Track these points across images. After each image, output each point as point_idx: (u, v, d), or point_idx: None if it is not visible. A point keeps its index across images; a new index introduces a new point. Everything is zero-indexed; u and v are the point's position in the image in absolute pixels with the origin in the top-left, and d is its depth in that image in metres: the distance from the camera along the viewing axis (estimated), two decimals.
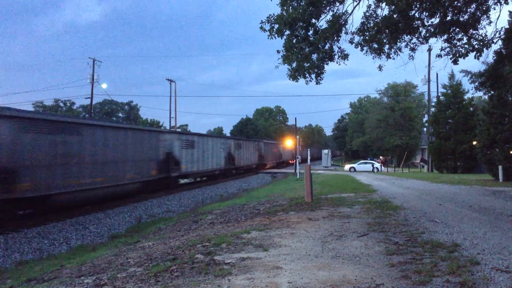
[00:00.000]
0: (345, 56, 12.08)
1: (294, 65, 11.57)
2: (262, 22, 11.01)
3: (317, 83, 12.11)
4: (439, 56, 12.57)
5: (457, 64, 12.16)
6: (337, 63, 12.03)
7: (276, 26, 10.84)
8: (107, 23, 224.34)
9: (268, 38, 11.05)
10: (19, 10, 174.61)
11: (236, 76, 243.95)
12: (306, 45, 11.37)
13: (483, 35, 11.98)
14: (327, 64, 11.98)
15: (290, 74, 11.80)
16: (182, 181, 28.08)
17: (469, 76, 22.14)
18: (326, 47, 11.76)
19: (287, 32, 10.98)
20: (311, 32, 11.36)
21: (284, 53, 11.39)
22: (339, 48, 12.01)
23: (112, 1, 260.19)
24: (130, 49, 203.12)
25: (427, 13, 11.51)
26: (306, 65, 11.63)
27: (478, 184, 18.49)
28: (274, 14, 10.95)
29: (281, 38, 11.17)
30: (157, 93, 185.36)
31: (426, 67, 38.77)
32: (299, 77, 11.83)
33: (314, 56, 11.74)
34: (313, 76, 11.97)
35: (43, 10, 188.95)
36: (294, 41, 11.24)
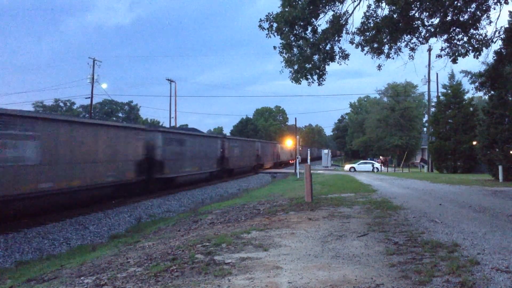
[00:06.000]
0: (345, 56, 12.08)
1: (296, 67, 11.57)
2: (261, 20, 11.02)
3: (319, 84, 12.11)
4: (439, 56, 12.59)
5: (456, 63, 12.18)
6: (338, 63, 12.04)
7: (275, 24, 10.84)
8: (130, 26, 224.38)
9: (266, 36, 11.07)
10: (50, 10, 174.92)
11: (236, 76, 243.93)
12: (307, 46, 11.37)
13: (483, 35, 11.99)
14: (328, 64, 11.98)
15: (293, 77, 11.78)
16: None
17: (469, 76, 22.17)
18: (327, 47, 11.77)
19: (286, 29, 10.98)
20: (309, 30, 11.35)
21: (281, 50, 11.37)
22: (340, 48, 12.02)
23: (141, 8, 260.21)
24: (130, 49, 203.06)
25: (427, 13, 11.52)
26: (307, 66, 11.63)
27: (478, 184, 18.49)
28: (272, 13, 10.95)
29: (280, 37, 11.17)
30: (157, 93, 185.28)
31: (426, 67, 38.76)
32: (301, 79, 11.82)
33: (315, 57, 11.75)
34: (315, 77, 11.97)
35: (64, 12, 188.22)
36: (292, 38, 11.24)
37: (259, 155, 46.01)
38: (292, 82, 11.89)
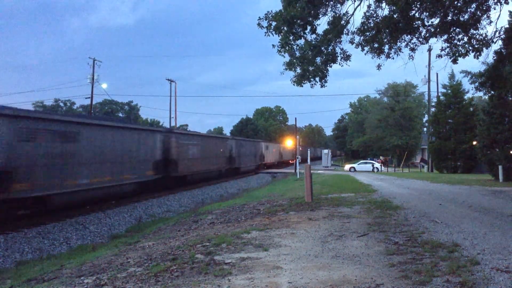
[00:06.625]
0: (347, 57, 12.05)
1: (298, 70, 11.55)
2: (260, 19, 11.01)
3: (322, 86, 12.06)
4: (439, 56, 12.56)
5: (457, 63, 12.15)
6: (339, 64, 12.00)
7: (274, 23, 10.83)
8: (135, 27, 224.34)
9: (265, 35, 11.06)
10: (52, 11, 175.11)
11: (236, 76, 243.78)
12: (309, 48, 11.34)
13: (484, 35, 11.98)
14: (330, 66, 11.96)
15: (295, 80, 11.74)
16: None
17: (469, 76, 22.13)
18: (329, 49, 11.75)
19: (285, 28, 10.95)
20: (308, 30, 11.34)
21: (279, 48, 11.35)
22: (341, 49, 12.00)
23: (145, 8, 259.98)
24: (131, 49, 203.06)
25: (427, 13, 11.51)
26: (310, 68, 11.60)
27: (478, 184, 18.48)
28: (271, 11, 10.95)
29: (279, 36, 11.15)
30: (157, 93, 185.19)
31: (426, 67, 38.71)
32: (304, 82, 11.78)
33: (318, 59, 11.72)
34: (317, 79, 11.94)
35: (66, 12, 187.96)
36: (291, 37, 11.22)
37: (233, 157, 36.22)
38: (294, 85, 11.83)
